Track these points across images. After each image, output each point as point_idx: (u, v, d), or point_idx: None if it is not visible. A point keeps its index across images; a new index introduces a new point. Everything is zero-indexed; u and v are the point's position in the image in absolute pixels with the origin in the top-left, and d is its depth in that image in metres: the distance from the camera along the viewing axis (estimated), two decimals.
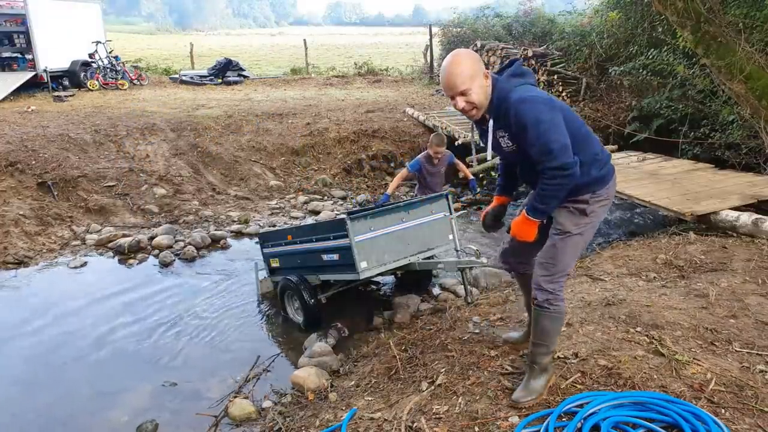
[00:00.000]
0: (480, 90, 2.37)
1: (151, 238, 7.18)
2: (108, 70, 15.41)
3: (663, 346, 2.88)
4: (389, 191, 6.00)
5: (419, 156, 6.10)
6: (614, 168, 2.59)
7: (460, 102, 2.39)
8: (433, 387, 2.96)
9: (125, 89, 15.01)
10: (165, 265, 6.63)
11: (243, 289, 5.99)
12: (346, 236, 4.49)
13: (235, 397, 4.00)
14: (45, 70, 13.86)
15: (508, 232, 2.69)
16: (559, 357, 2.94)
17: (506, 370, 2.93)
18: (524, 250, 2.75)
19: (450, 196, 5.15)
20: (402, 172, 6.23)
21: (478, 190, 6.45)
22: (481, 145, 2.65)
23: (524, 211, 2.49)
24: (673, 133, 9.09)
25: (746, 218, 5.19)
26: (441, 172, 6.14)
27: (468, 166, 7.69)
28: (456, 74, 2.34)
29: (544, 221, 2.54)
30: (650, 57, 9.03)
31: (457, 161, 6.27)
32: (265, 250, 5.81)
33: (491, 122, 2.46)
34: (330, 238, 4.76)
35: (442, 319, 4.03)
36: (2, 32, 14.51)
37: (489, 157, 2.58)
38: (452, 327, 3.76)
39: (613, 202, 2.66)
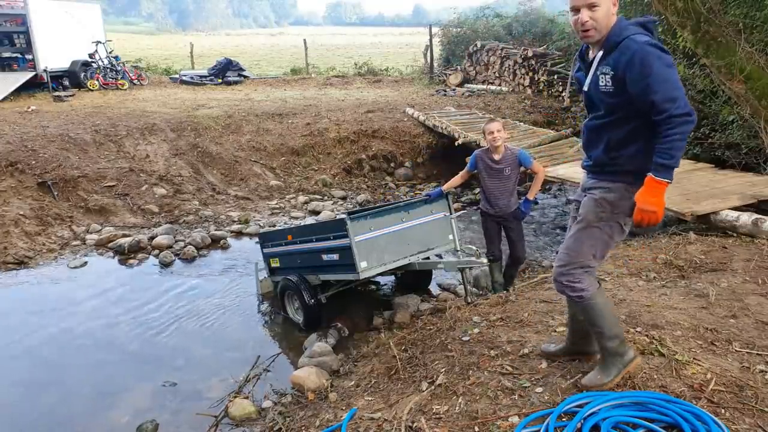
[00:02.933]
0: (607, 11, 2.24)
1: (151, 238, 7.19)
2: (108, 70, 15.40)
3: (663, 346, 2.88)
4: (444, 187, 5.04)
5: (477, 150, 4.99)
6: None
7: (585, 14, 2.24)
8: (433, 387, 2.96)
9: (125, 89, 15.00)
10: (165, 265, 6.63)
11: (243, 289, 5.99)
12: (346, 236, 4.50)
13: (236, 397, 4.00)
14: (45, 70, 13.85)
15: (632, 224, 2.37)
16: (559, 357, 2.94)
17: (506, 370, 2.93)
18: None
19: (450, 196, 5.14)
20: (462, 172, 5.09)
21: (526, 209, 4.89)
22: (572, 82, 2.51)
23: (649, 176, 2.21)
24: None
25: (746, 218, 5.18)
26: (507, 174, 4.77)
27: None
28: None
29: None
30: None
31: (536, 165, 4.85)
32: (265, 250, 5.81)
33: (599, 54, 2.32)
34: (330, 238, 4.76)
35: (442, 319, 4.03)
36: (2, 32, 14.49)
37: (585, 87, 2.41)
38: (452, 327, 3.76)
39: None
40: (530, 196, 4.84)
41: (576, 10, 2.27)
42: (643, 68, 2.16)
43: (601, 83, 2.32)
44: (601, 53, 2.32)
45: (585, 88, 2.44)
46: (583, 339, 2.82)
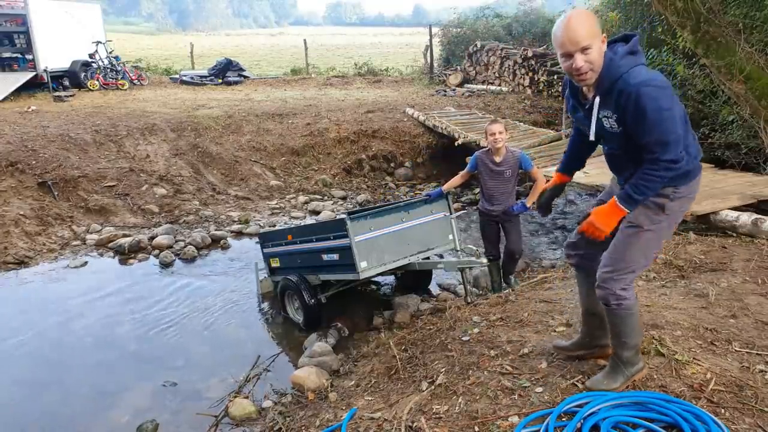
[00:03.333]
0: (599, 51, 2.19)
1: (152, 238, 7.19)
2: (108, 70, 15.41)
3: (663, 346, 2.88)
4: (444, 187, 5.04)
5: (478, 151, 4.98)
6: (701, 166, 2.42)
7: (579, 60, 2.17)
8: (433, 387, 2.96)
9: (125, 89, 15.01)
10: (165, 265, 6.63)
11: (243, 289, 5.99)
12: (346, 236, 4.50)
13: (236, 396, 4.00)
14: (45, 70, 13.86)
15: (578, 224, 2.48)
16: (559, 357, 2.95)
17: (506, 370, 2.93)
18: (598, 244, 2.51)
19: (450, 196, 5.14)
20: (462, 172, 5.08)
21: (520, 210, 4.87)
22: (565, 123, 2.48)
23: (614, 199, 2.31)
24: None
25: (746, 218, 5.18)
26: (506, 176, 4.76)
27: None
28: (580, 28, 2.17)
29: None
30: (650, 57, 9.03)
31: (536, 170, 4.87)
32: (265, 250, 5.82)
33: (597, 100, 2.28)
34: (330, 238, 4.77)
35: (442, 319, 4.03)
36: (2, 32, 14.50)
37: (592, 137, 2.39)
38: (452, 327, 3.76)
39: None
40: (528, 203, 4.81)
41: (569, 55, 2.21)
42: (636, 111, 2.14)
43: (606, 125, 2.31)
44: (598, 99, 2.29)
45: (592, 137, 2.40)
46: (599, 331, 2.79)
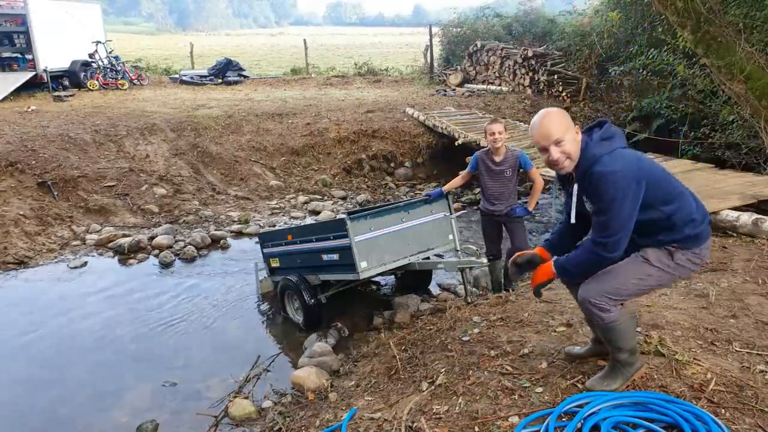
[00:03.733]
0: (573, 142, 2.34)
1: (151, 238, 7.19)
2: (108, 70, 15.40)
3: (663, 346, 2.88)
4: (444, 188, 5.06)
5: (478, 151, 4.97)
6: (710, 231, 2.51)
7: (555, 152, 2.33)
8: (433, 387, 2.96)
9: (125, 89, 15.00)
10: (165, 265, 6.63)
11: (243, 289, 5.99)
12: (346, 236, 4.50)
13: (236, 397, 4.00)
14: (45, 70, 13.85)
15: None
16: (559, 357, 2.94)
17: (506, 370, 2.93)
18: None
19: (450, 196, 5.14)
20: (463, 173, 5.08)
21: (522, 214, 4.86)
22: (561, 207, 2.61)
23: (553, 261, 2.49)
24: (673, 133, 9.10)
25: (746, 218, 5.19)
26: (507, 175, 4.74)
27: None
28: (551, 125, 2.33)
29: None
30: (650, 57, 9.04)
31: (534, 171, 4.82)
32: (265, 250, 5.81)
33: (576, 186, 2.42)
34: (330, 238, 4.77)
35: (442, 319, 4.03)
36: (2, 32, 14.50)
37: (573, 220, 2.51)
38: (452, 327, 3.76)
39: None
40: (530, 208, 4.84)
41: (545, 149, 2.36)
42: (595, 194, 2.32)
43: (589, 209, 2.43)
44: (576, 185, 2.43)
45: (573, 220, 2.50)
46: None
